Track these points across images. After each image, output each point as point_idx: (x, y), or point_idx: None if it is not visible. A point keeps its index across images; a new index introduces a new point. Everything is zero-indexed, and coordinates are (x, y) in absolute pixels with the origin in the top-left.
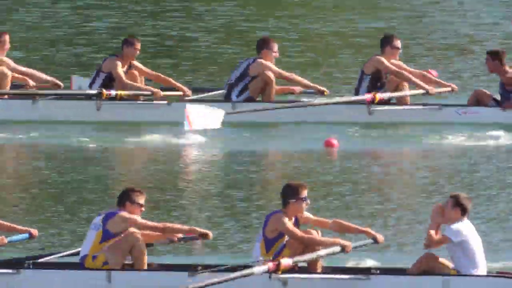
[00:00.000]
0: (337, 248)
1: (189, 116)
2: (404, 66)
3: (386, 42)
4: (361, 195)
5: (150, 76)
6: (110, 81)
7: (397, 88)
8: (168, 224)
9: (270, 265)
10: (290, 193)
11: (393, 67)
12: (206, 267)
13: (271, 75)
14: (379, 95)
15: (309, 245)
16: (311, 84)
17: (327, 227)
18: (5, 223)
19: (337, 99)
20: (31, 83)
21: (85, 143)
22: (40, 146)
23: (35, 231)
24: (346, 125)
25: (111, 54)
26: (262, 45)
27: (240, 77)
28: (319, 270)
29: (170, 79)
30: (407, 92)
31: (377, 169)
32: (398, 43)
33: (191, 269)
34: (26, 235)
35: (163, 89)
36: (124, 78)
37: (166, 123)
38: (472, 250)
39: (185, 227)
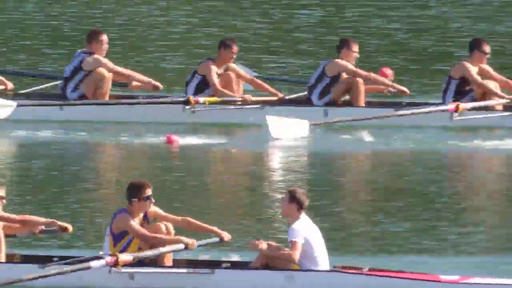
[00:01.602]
0: (181, 246)
1: (270, 127)
2: (491, 72)
3: (474, 46)
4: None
5: (245, 80)
6: (204, 84)
7: (484, 94)
8: (27, 216)
9: (108, 259)
10: (133, 192)
11: (476, 77)
12: (62, 259)
13: (359, 80)
14: (463, 106)
15: (152, 243)
16: (390, 83)
17: (178, 224)
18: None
19: (422, 109)
20: (134, 83)
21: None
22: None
23: None
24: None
25: (208, 57)
26: (342, 45)
27: (318, 78)
28: (168, 264)
29: (264, 84)
30: (491, 102)
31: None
32: (486, 48)
33: (44, 261)
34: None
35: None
36: (217, 84)
37: (258, 125)
38: (312, 246)
39: (44, 219)
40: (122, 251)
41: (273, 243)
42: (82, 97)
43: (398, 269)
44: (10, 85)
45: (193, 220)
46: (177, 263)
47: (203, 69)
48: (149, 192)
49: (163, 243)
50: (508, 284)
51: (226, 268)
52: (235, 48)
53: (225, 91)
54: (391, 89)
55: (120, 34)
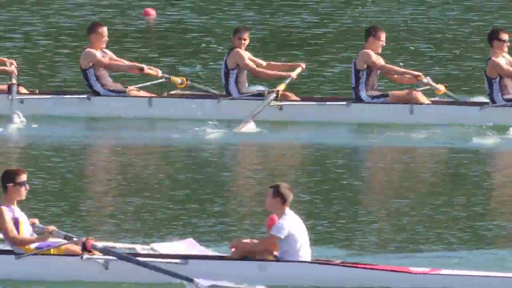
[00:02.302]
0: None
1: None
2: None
3: (492, 37)
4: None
5: (266, 66)
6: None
7: None
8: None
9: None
10: (8, 178)
11: (506, 68)
12: None
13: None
14: None
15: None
16: (404, 70)
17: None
18: None
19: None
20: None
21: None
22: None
23: None
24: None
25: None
26: (369, 33)
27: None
28: None
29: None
30: None
31: None
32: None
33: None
34: None
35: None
36: (255, 67)
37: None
38: (296, 241)
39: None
40: None
41: (254, 240)
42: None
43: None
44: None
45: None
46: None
47: (233, 60)
48: (24, 177)
49: (29, 242)
50: (476, 276)
51: (200, 258)
52: (246, 35)
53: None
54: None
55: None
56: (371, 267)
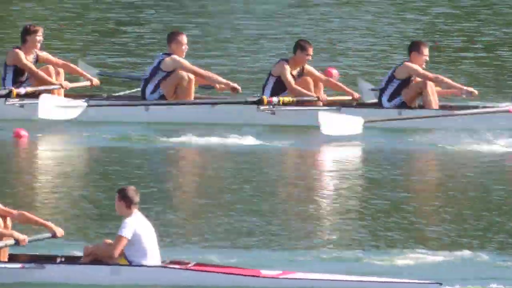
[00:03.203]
0: (11, 241)
1: (321, 123)
2: None
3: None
4: None
5: (321, 81)
6: (280, 85)
7: None
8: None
9: None
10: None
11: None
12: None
13: (429, 83)
14: None
15: None
16: (458, 85)
17: (13, 217)
18: None
19: (486, 109)
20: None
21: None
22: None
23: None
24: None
25: (282, 58)
26: (412, 47)
27: (388, 80)
28: (3, 259)
29: (340, 84)
30: None
31: None
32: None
33: None
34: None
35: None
36: (292, 83)
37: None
38: (143, 242)
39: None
40: None
41: (108, 241)
42: (162, 98)
43: (228, 265)
44: (95, 81)
45: (29, 215)
46: (16, 258)
47: (277, 70)
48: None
49: None
50: (329, 279)
51: (56, 263)
52: (310, 50)
53: (301, 89)
54: (464, 89)
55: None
56: (221, 270)
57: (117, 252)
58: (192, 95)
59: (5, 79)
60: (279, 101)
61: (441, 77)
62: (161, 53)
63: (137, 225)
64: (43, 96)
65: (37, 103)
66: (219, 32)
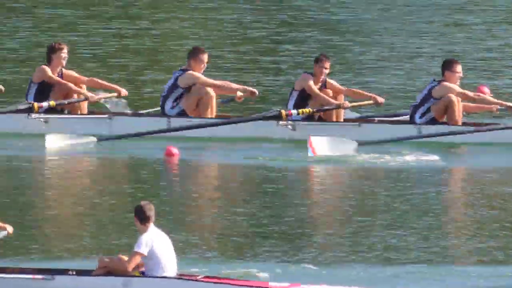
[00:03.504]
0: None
1: (312, 145)
2: None
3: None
4: None
5: (342, 92)
6: (304, 99)
7: None
8: None
9: None
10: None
11: None
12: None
13: (453, 98)
14: None
15: None
16: (497, 101)
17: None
18: None
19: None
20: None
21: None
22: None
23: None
24: None
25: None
26: (445, 67)
27: (424, 98)
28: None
29: (363, 92)
30: None
31: None
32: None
33: None
34: None
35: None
36: (317, 91)
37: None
38: (158, 257)
39: None
40: None
41: (123, 257)
42: (182, 113)
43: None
44: (124, 92)
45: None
46: (22, 270)
47: (300, 84)
48: None
49: None
50: None
51: (67, 274)
52: (326, 63)
53: (325, 96)
54: (498, 106)
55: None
56: (231, 282)
57: (131, 267)
58: (214, 110)
59: (27, 95)
60: (298, 113)
61: (480, 94)
62: (178, 69)
63: (152, 240)
64: (48, 137)
65: (62, 117)
66: (374, 51)
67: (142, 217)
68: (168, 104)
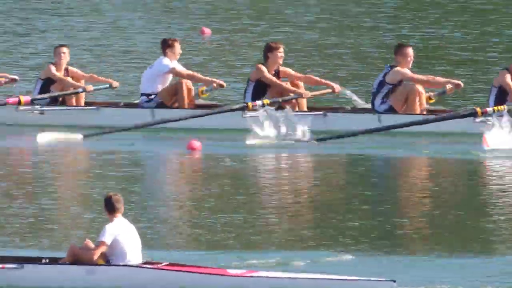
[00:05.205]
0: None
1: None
2: None
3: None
4: None
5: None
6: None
7: None
8: None
9: None
10: None
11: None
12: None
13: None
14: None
15: None
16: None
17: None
18: None
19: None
20: None
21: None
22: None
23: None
24: None
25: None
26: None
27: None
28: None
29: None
30: None
31: None
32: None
33: None
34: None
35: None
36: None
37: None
38: (123, 246)
39: None
40: None
41: (90, 243)
42: (390, 109)
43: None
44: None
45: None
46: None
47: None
48: None
49: None
50: (292, 278)
51: (35, 263)
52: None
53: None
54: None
55: None
56: (189, 270)
57: (95, 256)
58: (423, 106)
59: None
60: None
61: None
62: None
63: (117, 230)
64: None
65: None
66: None
67: (110, 208)
68: (378, 100)
